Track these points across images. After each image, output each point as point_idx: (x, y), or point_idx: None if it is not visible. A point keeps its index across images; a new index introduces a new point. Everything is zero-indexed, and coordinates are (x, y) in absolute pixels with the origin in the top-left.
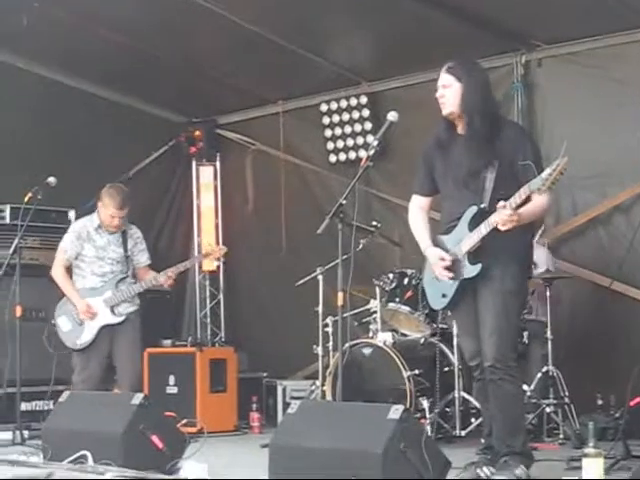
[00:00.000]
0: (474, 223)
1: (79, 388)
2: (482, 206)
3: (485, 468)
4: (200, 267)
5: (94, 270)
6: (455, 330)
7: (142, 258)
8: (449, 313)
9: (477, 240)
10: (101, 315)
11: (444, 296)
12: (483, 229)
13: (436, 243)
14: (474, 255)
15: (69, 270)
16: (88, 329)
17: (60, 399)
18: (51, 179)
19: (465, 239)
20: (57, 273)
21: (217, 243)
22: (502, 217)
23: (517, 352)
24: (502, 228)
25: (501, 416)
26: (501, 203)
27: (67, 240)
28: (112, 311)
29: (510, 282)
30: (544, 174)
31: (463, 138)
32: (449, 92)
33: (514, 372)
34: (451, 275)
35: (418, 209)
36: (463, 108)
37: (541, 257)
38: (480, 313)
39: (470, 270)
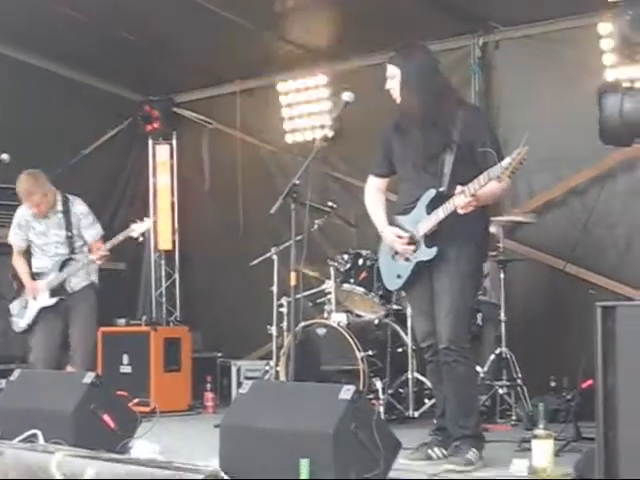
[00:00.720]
0: (432, 206)
1: (39, 366)
2: (441, 190)
3: (437, 449)
4: (156, 246)
5: (44, 251)
6: (409, 311)
7: (91, 232)
8: (403, 294)
9: (434, 223)
10: (41, 297)
11: (399, 277)
12: (441, 213)
13: (393, 224)
14: (431, 238)
15: (28, 251)
16: (29, 312)
17: (11, 377)
18: (4, 156)
19: (422, 222)
20: (14, 259)
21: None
22: (460, 202)
23: (471, 334)
24: (461, 212)
25: (455, 398)
26: (459, 188)
27: (11, 232)
28: (50, 294)
29: (466, 264)
30: (504, 162)
31: (422, 122)
32: (394, 82)
33: (468, 354)
34: (413, 248)
35: (375, 190)
36: (405, 94)
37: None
38: (436, 294)
39: (426, 253)
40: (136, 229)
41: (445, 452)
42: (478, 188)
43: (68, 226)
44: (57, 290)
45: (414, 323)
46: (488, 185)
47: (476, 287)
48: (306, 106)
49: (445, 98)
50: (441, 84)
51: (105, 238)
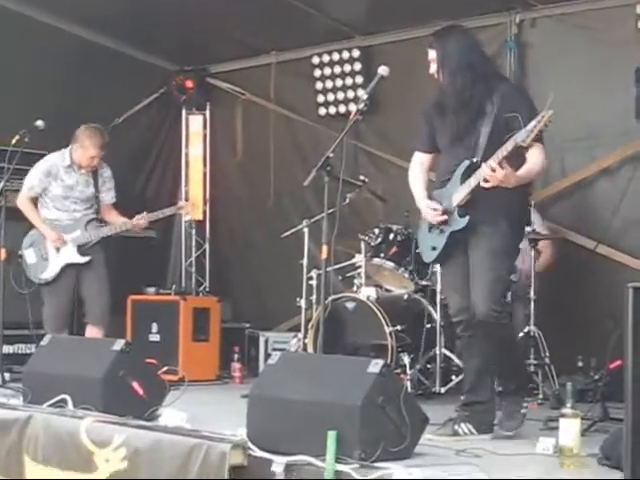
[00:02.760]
0: (466, 177)
1: (51, 323)
2: (474, 160)
3: (463, 425)
4: (187, 216)
5: (57, 206)
6: (439, 287)
7: (107, 196)
8: (438, 267)
9: (467, 193)
10: (67, 252)
11: (434, 249)
12: (472, 181)
13: (431, 197)
14: (464, 208)
15: (34, 201)
16: (52, 265)
17: (41, 343)
18: (39, 122)
19: (456, 192)
20: (24, 206)
21: (204, 194)
22: (487, 171)
23: (504, 307)
24: (485, 185)
25: (499, 361)
26: (490, 161)
27: (34, 176)
28: (78, 251)
29: (499, 241)
30: (529, 126)
31: (462, 96)
32: (435, 66)
33: (505, 319)
34: (445, 219)
35: (418, 165)
36: (444, 75)
37: None
38: (471, 269)
39: (459, 223)
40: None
41: (472, 428)
42: (505, 154)
43: (95, 186)
44: (85, 249)
45: (447, 297)
46: (524, 169)
47: (510, 264)
48: (340, 79)
49: (483, 76)
50: (479, 62)
51: (137, 206)
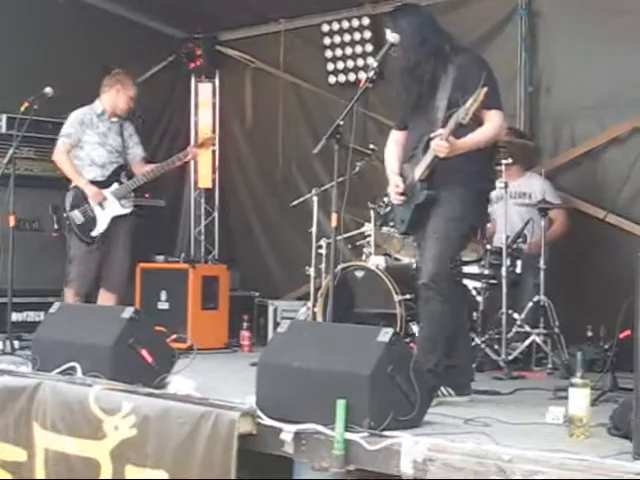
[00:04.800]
0: (425, 151)
1: (73, 282)
2: (432, 135)
3: (442, 387)
4: (196, 184)
5: (94, 159)
6: None
7: (138, 150)
8: (412, 238)
9: (424, 167)
10: (111, 206)
11: (402, 222)
12: (428, 157)
13: (401, 173)
14: (426, 181)
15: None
16: (101, 220)
17: (50, 310)
18: (48, 89)
19: (417, 166)
20: (62, 159)
21: (213, 163)
22: (434, 145)
23: (454, 276)
24: (440, 155)
25: (424, 332)
26: (438, 131)
27: (69, 125)
28: (119, 203)
29: (455, 208)
30: (467, 104)
31: (419, 73)
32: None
33: (445, 292)
34: (403, 199)
35: (393, 142)
36: (399, 52)
37: (535, 187)
38: (425, 236)
39: (419, 196)
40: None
41: (450, 390)
42: (448, 132)
43: (123, 136)
44: (126, 200)
45: (419, 264)
46: (472, 133)
47: (465, 231)
48: (349, 47)
49: (438, 50)
50: (433, 38)
51: None
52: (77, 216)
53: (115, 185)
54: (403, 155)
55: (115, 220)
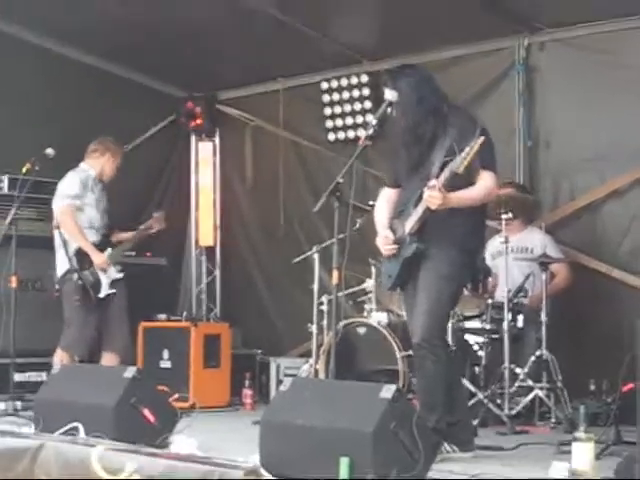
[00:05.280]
0: (417, 205)
1: (69, 347)
2: (425, 189)
3: (446, 444)
4: (197, 242)
5: (92, 223)
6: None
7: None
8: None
9: (415, 220)
10: (110, 270)
11: (389, 276)
12: (419, 209)
13: (391, 227)
14: (416, 236)
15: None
16: (105, 283)
17: (53, 371)
18: (49, 150)
19: (408, 220)
20: (69, 221)
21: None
22: (425, 195)
23: (445, 334)
24: (431, 207)
25: (421, 392)
26: (431, 182)
27: (75, 185)
28: (115, 268)
29: (446, 266)
30: (463, 153)
31: (417, 130)
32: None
33: (439, 351)
34: (394, 248)
35: (384, 199)
36: (397, 110)
37: (536, 241)
38: (417, 293)
39: (408, 249)
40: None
41: (454, 446)
42: (443, 181)
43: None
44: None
45: (407, 321)
46: (467, 189)
47: (455, 290)
48: (348, 105)
49: (436, 109)
50: (431, 97)
51: None
52: (87, 277)
53: (109, 250)
54: (394, 211)
55: (112, 284)
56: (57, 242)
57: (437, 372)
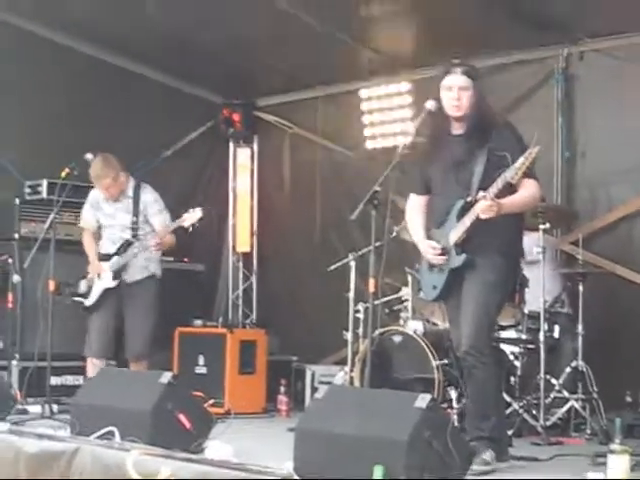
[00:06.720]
0: (460, 216)
1: (93, 347)
2: (468, 199)
3: (488, 452)
4: (234, 248)
5: (109, 236)
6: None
7: (159, 218)
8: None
9: (462, 231)
10: (104, 279)
11: (434, 288)
12: (467, 220)
13: (430, 237)
14: (461, 246)
15: (97, 235)
16: (94, 291)
17: (87, 375)
18: (89, 155)
19: (452, 231)
20: (83, 236)
21: (251, 227)
22: (481, 206)
23: (492, 341)
24: (482, 216)
25: (473, 401)
26: (481, 193)
27: (83, 210)
28: (114, 276)
29: (493, 274)
30: (517, 163)
31: (461, 138)
32: (465, 94)
33: (487, 359)
34: (445, 258)
35: (416, 207)
36: (474, 111)
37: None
38: (462, 302)
39: (456, 260)
40: (187, 218)
41: (493, 454)
42: (496, 191)
43: (135, 211)
44: (118, 273)
45: (451, 333)
46: (514, 195)
47: (502, 297)
48: (388, 113)
49: (486, 120)
50: (486, 106)
51: (184, 238)
52: (82, 285)
53: (115, 258)
54: (430, 220)
55: (107, 292)
56: None
57: (487, 378)
